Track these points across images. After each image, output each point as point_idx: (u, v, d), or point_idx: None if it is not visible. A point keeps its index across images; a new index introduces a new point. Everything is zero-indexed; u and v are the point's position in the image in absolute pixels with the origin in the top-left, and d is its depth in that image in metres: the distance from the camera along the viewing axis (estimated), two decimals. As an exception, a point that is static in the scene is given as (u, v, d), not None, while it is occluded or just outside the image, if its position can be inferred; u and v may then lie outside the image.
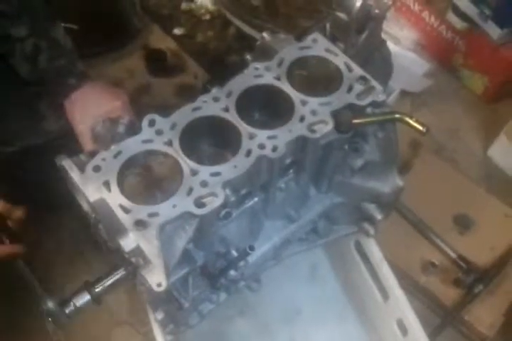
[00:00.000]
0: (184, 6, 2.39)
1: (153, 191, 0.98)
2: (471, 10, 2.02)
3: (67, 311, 1.00)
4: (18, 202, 1.68)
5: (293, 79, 1.06)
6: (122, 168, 0.95)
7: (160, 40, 2.32)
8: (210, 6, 2.37)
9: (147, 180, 0.99)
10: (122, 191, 0.93)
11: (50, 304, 0.98)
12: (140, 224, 0.89)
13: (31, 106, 1.43)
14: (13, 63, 1.29)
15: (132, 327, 1.62)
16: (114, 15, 2.22)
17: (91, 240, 1.15)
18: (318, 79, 1.11)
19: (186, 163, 0.96)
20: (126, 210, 0.91)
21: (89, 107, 1.22)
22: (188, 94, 2.14)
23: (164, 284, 0.90)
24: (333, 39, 1.18)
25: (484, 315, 1.61)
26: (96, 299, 1.01)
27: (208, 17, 2.37)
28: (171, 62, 2.26)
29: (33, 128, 1.44)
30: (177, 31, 2.34)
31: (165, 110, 1.02)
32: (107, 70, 2.16)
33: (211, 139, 1.06)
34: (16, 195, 1.65)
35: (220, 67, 2.22)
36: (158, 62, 2.25)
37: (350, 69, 1.08)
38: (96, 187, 0.93)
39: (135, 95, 2.11)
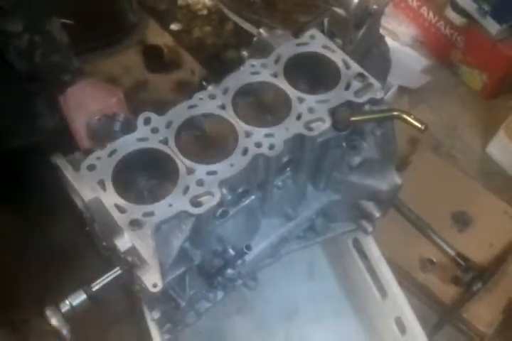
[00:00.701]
0: (181, 1, 2.38)
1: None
2: (470, 5, 2.00)
3: (63, 310, 0.99)
4: (14, 199, 1.69)
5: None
6: (117, 166, 0.94)
7: (157, 36, 2.30)
8: (207, 1, 2.35)
9: (143, 179, 0.98)
10: (117, 190, 0.92)
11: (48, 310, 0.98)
12: (135, 224, 0.88)
13: (27, 102, 1.42)
14: (8, 59, 1.28)
15: (129, 324, 1.61)
16: (110, 10, 2.20)
17: (87, 239, 1.14)
18: (315, 76, 1.10)
19: (182, 162, 0.95)
20: (121, 210, 0.90)
21: (84, 104, 1.21)
22: (185, 89, 2.13)
23: (160, 285, 0.89)
24: (331, 35, 1.17)
25: (483, 313, 1.61)
26: (92, 298, 1.00)
27: (205, 12, 2.35)
28: (168, 58, 2.25)
29: (28, 125, 1.43)
30: (174, 26, 2.32)
31: (162, 106, 1.01)
32: (103, 66, 2.15)
33: (207, 137, 1.05)
34: (11, 193, 1.65)
35: (217, 63, 2.21)
36: (154, 58, 2.24)
37: (348, 66, 1.07)
38: (91, 187, 0.92)
39: (132, 91, 2.09)
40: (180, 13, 2.36)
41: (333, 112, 1.02)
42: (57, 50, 1.27)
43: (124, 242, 0.88)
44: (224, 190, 0.95)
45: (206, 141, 1.02)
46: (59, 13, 1.37)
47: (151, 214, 0.90)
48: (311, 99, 1.03)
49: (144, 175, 1.02)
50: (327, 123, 1.00)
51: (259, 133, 0.98)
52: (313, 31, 1.12)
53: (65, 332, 0.97)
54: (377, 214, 1.25)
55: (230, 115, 1.00)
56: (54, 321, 0.97)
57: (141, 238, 0.88)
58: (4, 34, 1.24)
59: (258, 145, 0.97)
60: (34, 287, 1.60)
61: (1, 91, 1.39)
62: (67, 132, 1.24)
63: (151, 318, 1.15)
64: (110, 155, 0.95)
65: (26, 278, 1.64)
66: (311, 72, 1.12)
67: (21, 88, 1.38)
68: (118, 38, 2.26)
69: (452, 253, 1.59)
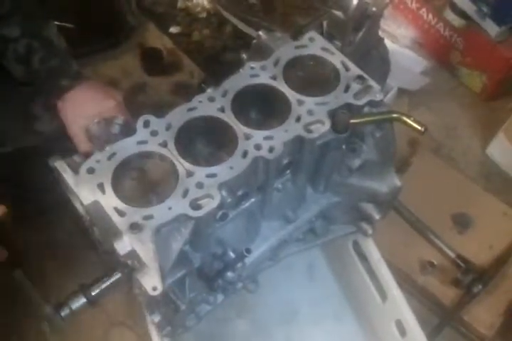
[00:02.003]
0: (180, 3, 2.37)
1: (149, 193, 0.97)
2: (469, 7, 2.00)
3: (62, 314, 0.98)
4: (12, 203, 1.68)
5: (289, 79, 1.05)
6: (117, 169, 0.93)
7: (156, 39, 2.31)
8: (206, 4, 2.35)
9: (142, 182, 0.97)
10: (117, 193, 0.91)
11: (47, 309, 0.97)
12: (135, 227, 0.88)
13: (25, 107, 1.42)
14: (5, 64, 1.28)
15: (129, 328, 1.61)
16: (109, 13, 2.20)
17: (87, 242, 1.14)
18: (314, 79, 1.10)
19: (181, 165, 0.94)
20: (120, 213, 0.90)
21: (83, 107, 1.21)
22: (184, 92, 2.13)
23: (159, 288, 0.88)
24: (330, 37, 1.17)
25: (483, 315, 1.61)
26: (92, 302, 1.00)
27: (204, 15, 2.35)
28: (167, 61, 2.25)
29: (26, 129, 1.43)
30: (173, 29, 2.32)
31: (161, 109, 1.01)
32: (102, 69, 2.15)
33: (207, 140, 1.05)
34: (10, 196, 1.64)
35: (216, 66, 2.21)
36: (154, 61, 2.24)
37: (347, 69, 1.07)
38: (90, 190, 0.92)
39: (131, 94, 2.09)
40: (180, 16, 2.36)
41: (332, 114, 1.01)
42: (55, 54, 1.27)
43: (123, 245, 0.88)
44: (224, 193, 0.94)
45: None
46: (58, 16, 1.37)
47: (150, 217, 0.89)
48: (310, 102, 1.02)
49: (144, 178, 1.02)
50: (326, 126, 1.00)
51: (258, 135, 0.98)
52: (312, 33, 1.12)
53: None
54: (377, 217, 1.25)
55: (229, 117, 1.00)
56: (52, 325, 0.97)
57: (141, 241, 0.88)
58: (1, 39, 1.24)
59: (258, 147, 0.96)
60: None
61: (-1, 95, 1.39)
62: (65, 136, 1.24)
63: (151, 321, 1.14)
64: (109, 158, 0.94)
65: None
66: (310, 75, 1.12)
67: (19, 92, 1.38)
68: (117, 41, 2.26)
69: (452, 255, 1.59)
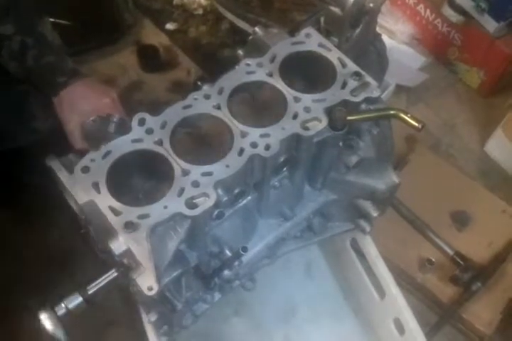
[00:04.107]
0: (176, 0, 2.36)
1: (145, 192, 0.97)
2: (467, 3, 2.00)
3: (58, 313, 0.97)
4: (10, 201, 1.67)
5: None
6: (111, 168, 0.93)
7: (152, 36, 2.29)
8: (203, 1, 2.34)
9: (138, 181, 0.97)
10: (112, 192, 0.91)
11: (44, 308, 0.97)
12: (130, 226, 0.87)
13: (20, 105, 1.41)
14: (1, 62, 1.27)
15: (126, 327, 1.60)
16: (105, 10, 2.19)
17: (83, 241, 1.13)
18: (311, 75, 1.09)
19: (177, 163, 0.94)
20: (115, 212, 0.89)
21: (78, 105, 1.20)
22: (180, 89, 2.12)
23: (155, 288, 0.88)
24: (327, 34, 1.16)
25: (482, 313, 1.60)
26: (88, 301, 0.99)
27: (200, 11, 2.34)
28: (164, 58, 2.23)
29: (22, 127, 1.42)
30: (169, 26, 2.31)
31: (158, 106, 1.00)
32: (98, 66, 2.14)
33: (202, 137, 1.04)
34: (7, 194, 1.64)
35: (213, 63, 2.20)
36: (150, 58, 2.23)
37: (344, 65, 1.06)
38: (85, 189, 0.91)
39: (127, 91, 2.08)
40: (176, 12, 2.35)
41: (329, 111, 1.01)
42: (49, 51, 1.26)
43: (118, 245, 0.87)
44: (220, 191, 0.94)
45: (201, 141, 1.01)
46: (53, 13, 1.36)
47: (146, 216, 0.89)
48: (307, 99, 1.02)
49: (139, 177, 1.01)
50: (323, 123, 0.99)
51: (254, 133, 0.97)
52: (308, 30, 1.11)
53: (60, 335, 0.96)
54: (374, 214, 1.24)
55: (225, 115, 0.99)
56: (49, 325, 0.96)
57: (136, 240, 0.87)
58: None
59: (254, 145, 0.96)
60: (32, 289, 1.59)
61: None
62: (61, 134, 1.23)
63: (148, 320, 1.13)
64: (104, 157, 0.94)
65: (24, 279, 1.64)
66: (307, 71, 1.11)
67: (15, 90, 1.37)
68: (114, 38, 2.25)
69: (451, 252, 1.59)
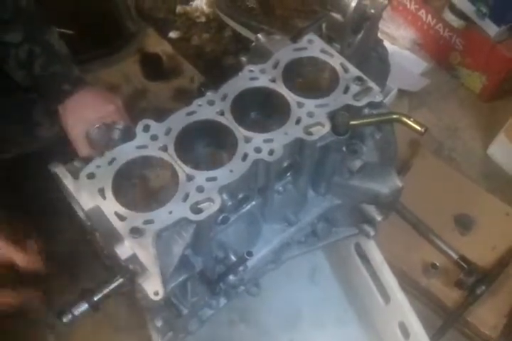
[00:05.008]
0: (179, 9, 2.38)
1: (149, 198, 0.97)
2: (468, 8, 2.00)
3: (65, 320, 0.98)
4: (13, 208, 1.68)
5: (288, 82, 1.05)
6: (117, 174, 0.93)
7: (155, 44, 2.30)
8: (205, 9, 2.35)
9: (142, 186, 0.97)
10: (117, 198, 0.91)
11: (50, 315, 0.97)
12: (136, 232, 0.88)
13: (26, 112, 1.42)
14: (7, 69, 1.28)
15: (132, 333, 1.60)
16: (108, 19, 2.21)
17: (89, 247, 1.14)
18: (313, 81, 1.10)
19: (182, 169, 0.94)
20: (121, 218, 0.90)
21: (83, 112, 1.21)
22: (184, 97, 2.13)
23: (161, 293, 0.88)
24: (329, 40, 1.17)
25: (487, 316, 1.60)
26: (94, 307, 0.99)
27: (203, 19, 2.35)
28: (167, 66, 2.24)
29: (28, 134, 1.43)
30: (172, 34, 2.32)
31: (162, 114, 1.01)
32: (102, 75, 2.14)
33: (207, 144, 1.05)
34: (11, 202, 1.64)
35: (216, 70, 2.20)
36: (154, 66, 2.23)
37: (346, 70, 1.07)
38: (90, 195, 0.92)
39: (131, 100, 2.09)
40: (179, 21, 2.36)
41: (332, 116, 1.01)
42: (56, 60, 1.27)
43: (124, 250, 0.88)
44: (224, 196, 0.95)
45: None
46: (57, 22, 1.38)
47: (151, 221, 0.89)
48: (310, 104, 1.03)
49: (144, 183, 1.02)
50: (326, 128, 1.00)
51: (258, 138, 0.98)
52: (311, 36, 1.12)
53: None
54: (378, 218, 1.24)
55: (228, 121, 1.00)
56: (55, 330, 0.97)
57: (142, 246, 0.88)
58: (3, 45, 1.25)
59: (258, 150, 0.96)
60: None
61: (0, 100, 1.39)
62: (66, 141, 1.24)
63: (153, 326, 1.14)
64: (110, 163, 0.95)
65: (28, 286, 1.64)
66: (310, 77, 1.12)
67: (20, 98, 1.38)
68: (117, 47, 2.25)
69: (455, 256, 1.58)
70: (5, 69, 1.28)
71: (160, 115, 1.01)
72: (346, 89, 1.05)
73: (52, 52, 1.28)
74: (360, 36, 1.18)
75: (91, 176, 0.93)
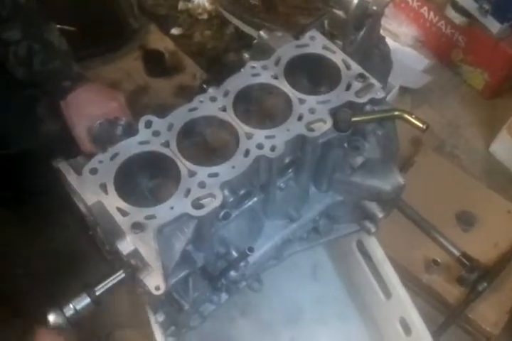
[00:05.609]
0: (181, 5, 2.38)
1: (152, 193, 0.98)
2: (470, 5, 2.00)
3: (67, 314, 0.99)
4: (17, 204, 1.68)
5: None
6: (119, 170, 0.94)
7: (157, 41, 2.31)
8: (208, 5, 2.36)
9: (145, 181, 0.98)
10: (119, 193, 0.92)
11: (51, 310, 0.98)
12: (137, 227, 0.88)
13: (28, 109, 1.43)
14: (8, 66, 1.29)
15: (134, 329, 1.61)
16: (111, 16, 2.21)
17: (91, 242, 1.14)
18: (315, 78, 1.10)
19: (184, 164, 0.95)
20: (123, 213, 0.90)
21: (86, 108, 1.21)
22: (186, 94, 2.13)
23: (163, 287, 0.89)
24: (331, 36, 1.17)
25: (489, 313, 1.60)
26: (96, 302, 1.00)
27: (205, 16, 2.35)
28: (169, 63, 2.25)
29: (30, 131, 1.43)
30: (174, 31, 2.33)
31: (163, 111, 1.01)
32: (104, 72, 2.15)
33: (209, 139, 1.05)
34: (14, 198, 1.65)
35: (218, 67, 2.21)
36: (155, 63, 2.24)
37: (348, 67, 1.07)
38: (93, 190, 0.92)
39: (133, 96, 2.09)
40: (181, 17, 2.37)
41: (334, 113, 1.01)
42: (56, 56, 1.27)
43: (126, 245, 0.88)
44: (226, 192, 0.95)
45: (207, 145, 1.02)
46: (60, 19, 1.38)
47: (153, 217, 0.90)
48: (312, 100, 1.03)
49: (146, 178, 1.02)
50: (328, 124, 1.00)
51: (260, 134, 0.98)
52: (313, 32, 1.12)
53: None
54: (380, 215, 1.25)
55: (230, 117, 1.00)
56: (57, 325, 0.97)
57: (144, 241, 0.88)
58: (3, 42, 1.25)
59: (259, 146, 0.97)
60: (39, 291, 1.60)
61: (1, 97, 1.39)
62: (69, 137, 1.25)
63: (155, 321, 1.14)
64: (112, 158, 0.95)
65: (30, 282, 1.65)
66: (312, 73, 1.12)
67: (22, 94, 1.38)
68: (119, 44, 2.26)
69: (457, 253, 1.58)
70: (6, 66, 1.28)
71: (162, 111, 1.01)
72: (348, 86, 1.05)
73: (51, 49, 1.28)
74: (362, 33, 1.18)
75: (93, 171, 0.94)
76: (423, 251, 1.67)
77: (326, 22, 1.20)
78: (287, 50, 1.09)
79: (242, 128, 0.99)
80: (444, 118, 2.12)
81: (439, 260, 1.63)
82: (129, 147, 0.96)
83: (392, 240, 1.52)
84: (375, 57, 1.29)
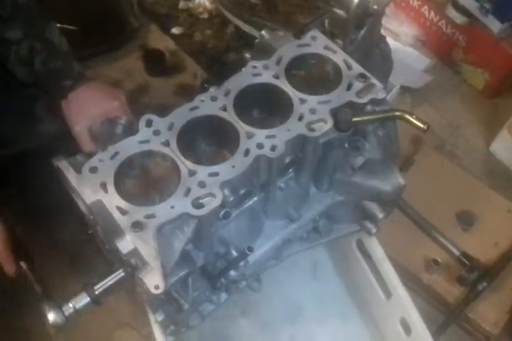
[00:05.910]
0: (182, 5, 2.38)
1: (151, 193, 0.97)
2: (471, 4, 2.00)
3: (66, 314, 0.99)
4: (15, 203, 1.68)
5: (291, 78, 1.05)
6: (119, 169, 0.94)
7: (158, 40, 2.30)
8: (208, 5, 2.35)
9: (144, 181, 0.98)
10: (119, 192, 0.92)
11: (51, 309, 0.98)
12: (137, 226, 0.88)
13: (28, 108, 1.43)
14: (8, 66, 1.28)
15: (133, 328, 1.61)
16: (111, 15, 2.21)
17: (90, 241, 1.14)
18: (316, 77, 1.10)
19: (184, 164, 0.95)
20: (123, 212, 0.90)
21: (86, 107, 1.21)
22: (187, 93, 2.13)
23: (162, 286, 0.89)
24: (332, 36, 1.17)
25: (489, 313, 1.60)
26: (95, 301, 1.00)
27: (206, 16, 2.35)
28: (170, 62, 2.25)
29: (30, 130, 1.43)
30: (175, 30, 2.32)
31: (164, 110, 1.01)
32: (104, 71, 2.15)
33: (209, 139, 1.05)
34: (13, 197, 1.65)
35: (218, 66, 2.21)
36: (156, 62, 2.24)
37: (349, 67, 1.07)
38: (93, 189, 0.92)
39: (134, 96, 2.09)
40: (182, 17, 2.36)
41: (335, 113, 1.01)
42: (57, 56, 1.27)
43: (126, 244, 0.88)
44: (226, 192, 0.95)
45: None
46: (60, 18, 1.38)
47: (152, 216, 0.90)
48: (312, 100, 1.03)
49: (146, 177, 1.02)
50: (329, 124, 1.00)
51: (260, 134, 0.98)
52: (314, 32, 1.12)
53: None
54: (380, 216, 1.24)
55: (231, 116, 1.00)
56: (57, 324, 0.97)
57: (143, 240, 0.88)
58: (4, 41, 1.25)
59: (260, 146, 0.96)
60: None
61: (1, 97, 1.39)
62: (68, 137, 1.24)
63: (155, 320, 1.14)
64: (112, 157, 0.95)
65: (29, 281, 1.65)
66: (313, 73, 1.12)
67: (22, 93, 1.38)
68: (120, 43, 2.26)
69: (457, 253, 1.58)
70: (6, 66, 1.28)
71: (162, 111, 1.01)
72: (349, 86, 1.04)
73: (52, 49, 1.28)
74: (362, 32, 1.18)
75: (93, 170, 0.94)
76: (423, 251, 1.67)
77: (326, 21, 1.19)
78: (288, 49, 1.09)
79: (242, 127, 0.99)
80: (444, 118, 2.12)
81: (439, 259, 1.63)
82: (129, 146, 0.96)
83: (392, 239, 1.52)
84: (375, 57, 1.29)
